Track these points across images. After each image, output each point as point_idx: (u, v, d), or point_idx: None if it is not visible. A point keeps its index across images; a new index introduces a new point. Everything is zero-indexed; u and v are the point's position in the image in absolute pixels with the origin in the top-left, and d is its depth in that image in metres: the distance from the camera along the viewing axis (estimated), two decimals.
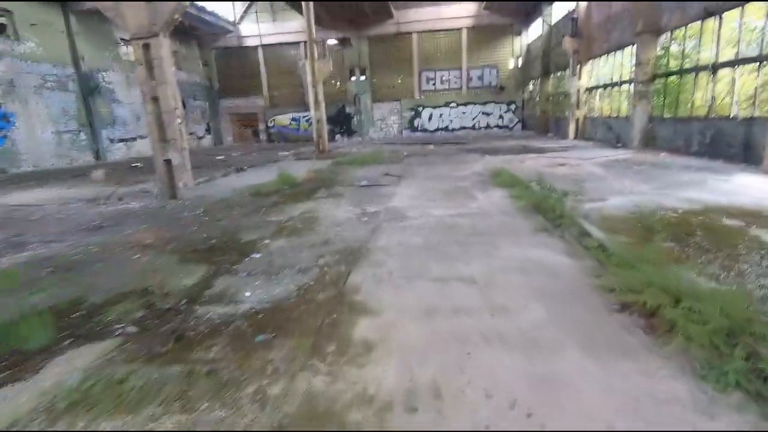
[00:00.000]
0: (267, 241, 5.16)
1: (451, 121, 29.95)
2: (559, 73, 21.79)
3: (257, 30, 29.11)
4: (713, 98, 9.83)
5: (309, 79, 18.56)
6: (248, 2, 29.11)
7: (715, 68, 9.65)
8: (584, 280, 3.51)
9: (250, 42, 29.63)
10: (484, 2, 26.85)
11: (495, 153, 14.85)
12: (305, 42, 19.09)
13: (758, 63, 8.44)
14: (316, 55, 18.34)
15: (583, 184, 7.85)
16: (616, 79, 15.19)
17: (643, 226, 4.83)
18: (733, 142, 9.03)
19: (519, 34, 28.48)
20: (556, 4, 21.82)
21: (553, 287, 3.39)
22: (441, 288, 3.51)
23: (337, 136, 30.57)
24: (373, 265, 4.16)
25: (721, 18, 9.41)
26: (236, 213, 6.91)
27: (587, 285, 3.40)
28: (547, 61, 23.00)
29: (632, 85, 13.03)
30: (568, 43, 17.74)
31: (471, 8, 28.20)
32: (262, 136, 31.49)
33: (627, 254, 3.72)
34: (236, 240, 5.27)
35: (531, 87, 27.84)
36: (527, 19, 27.22)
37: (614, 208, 5.87)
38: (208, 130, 30.50)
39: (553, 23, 22.26)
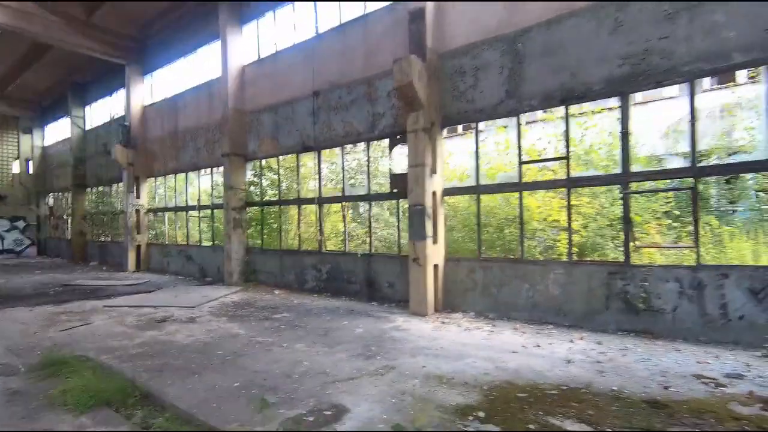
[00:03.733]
0: None
1: None
2: (102, 188, 17.12)
3: None
4: (322, 232, 9.36)
5: None
6: None
7: (320, 202, 9.31)
8: None
9: None
10: None
11: (15, 300, 8.37)
12: None
13: (368, 202, 8.61)
14: None
15: (241, 361, 4.59)
16: (194, 202, 12.92)
17: None
18: (354, 279, 8.59)
19: (29, 132, 21.39)
20: (95, 104, 17.66)
21: None
22: None
23: None
24: None
25: (319, 154, 9.35)
26: None
27: None
28: (82, 171, 17.77)
29: (223, 211, 11.13)
30: (120, 154, 14.03)
31: None
32: None
33: None
34: None
35: (52, 201, 20.86)
36: (44, 115, 20.94)
37: None
38: None
39: (89, 127, 17.76)
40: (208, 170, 12.38)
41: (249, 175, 10.96)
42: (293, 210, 10.22)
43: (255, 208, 10.92)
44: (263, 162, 10.77)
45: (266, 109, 10.40)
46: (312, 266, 9.43)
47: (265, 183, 10.76)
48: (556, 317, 6.03)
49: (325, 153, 9.50)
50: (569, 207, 6.03)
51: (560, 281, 6.01)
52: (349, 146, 9.04)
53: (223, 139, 10.90)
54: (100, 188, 17.20)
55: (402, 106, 7.39)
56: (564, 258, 6.28)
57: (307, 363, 4.68)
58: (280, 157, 10.31)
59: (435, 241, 7.01)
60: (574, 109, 6.32)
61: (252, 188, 10.94)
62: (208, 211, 12.46)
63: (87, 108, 17.97)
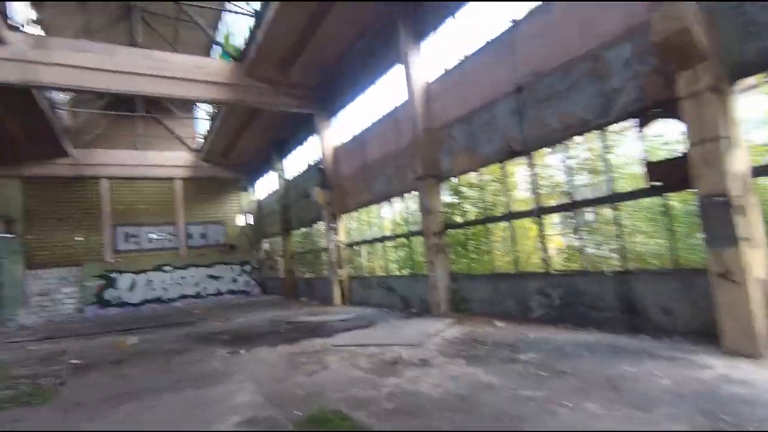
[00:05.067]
0: None
1: (166, 289, 22.17)
2: (303, 229, 18.89)
3: None
4: (546, 248, 7.81)
5: None
6: None
7: (540, 213, 7.82)
8: None
9: None
10: (202, 153, 22.93)
11: (251, 340, 9.07)
12: None
13: (612, 204, 6.77)
14: None
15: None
16: (389, 231, 12.83)
17: None
18: (602, 304, 6.75)
19: (246, 189, 25.43)
20: (292, 156, 19.94)
21: None
22: None
23: None
24: None
25: (531, 157, 7.94)
26: None
27: None
28: (287, 216, 20.03)
29: (421, 237, 10.58)
30: (319, 196, 15.08)
31: (186, 157, 23.66)
32: None
33: None
34: None
35: (267, 245, 24.14)
36: (255, 173, 24.69)
37: None
38: None
39: (290, 177, 20.02)
40: (400, 197, 12.12)
41: (446, 196, 10.20)
42: (503, 227, 8.94)
43: (456, 230, 10.02)
44: (460, 179, 9.88)
45: (457, 122, 9.56)
46: (537, 291, 7.90)
47: (464, 201, 9.82)
48: None
49: (538, 155, 8.02)
50: None
51: None
52: (569, 140, 7.39)
53: (415, 162, 10.45)
54: (303, 229, 18.99)
55: (662, 68, 5.51)
56: None
57: None
58: (480, 170, 9.25)
59: (753, 245, 4.78)
60: None
61: (450, 209, 10.11)
62: (405, 239, 12.14)
63: (286, 160, 20.42)
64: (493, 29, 8.64)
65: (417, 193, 10.79)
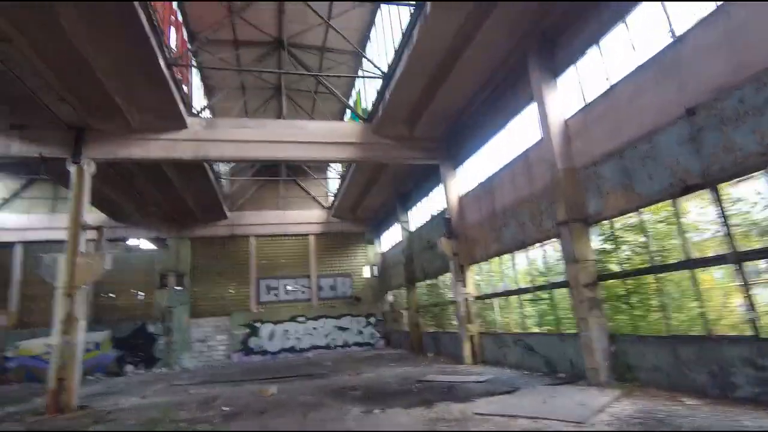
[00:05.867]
0: None
1: (299, 339, 23.30)
2: (428, 281, 18.43)
3: (18, 221, 20.69)
4: (753, 306, 6.04)
5: (60, 282, 10.94)
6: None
7: (740, 259, 6.17)
8: None
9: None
10: (332, 210, 24.61)
11: (383, 399, 8.58)
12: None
13: None
14: (82, 246, 11.35)
15: None
16: (525, 283, 11.66)
17: None
18: None
19: (371, 242, 26.26)
20: (416, 208, 20.11)
21: None
22: None
23: (129, 368, 20.52)
24: None
25: (716, 191, 6.45)
26: None
27: None
28: (411, 268, 19.89)
29: (567, 290, 9.28)
30: (445, 246, 14.61)
31: (319, 214, 25.62)
32: None
33: None
34: None
35: (391, 298, 24.15)
36: (379, 227, 25.47)
37: None
38: None
39: (413, 229, 20.09)
40: (536, 245, 11.00)
41: (596, 242, 8.89)
42: (679, 278, 7.30)
43: (613, 281, 8.55)
44: (614, 221, 8.54)
45: (605, 158, 8.44)
46: (743, 361, 6.06)
47: (622, 247, 8.39)
48: None
49: (723, 187, 6.50)
50: None
51: None
52: None
53: (556, 205, 9.45)
54: (428, 281, 18.54)
55: None
56: None
57: None
58: (641, 210, 7.87)
59: None
60: None
61: (604, 256, 8.74)
62: (544, 292, 10.82)
63: (410, 212, 20.64)
64: (645, 51, 7.62)
65: (558, 240, 9.68)
